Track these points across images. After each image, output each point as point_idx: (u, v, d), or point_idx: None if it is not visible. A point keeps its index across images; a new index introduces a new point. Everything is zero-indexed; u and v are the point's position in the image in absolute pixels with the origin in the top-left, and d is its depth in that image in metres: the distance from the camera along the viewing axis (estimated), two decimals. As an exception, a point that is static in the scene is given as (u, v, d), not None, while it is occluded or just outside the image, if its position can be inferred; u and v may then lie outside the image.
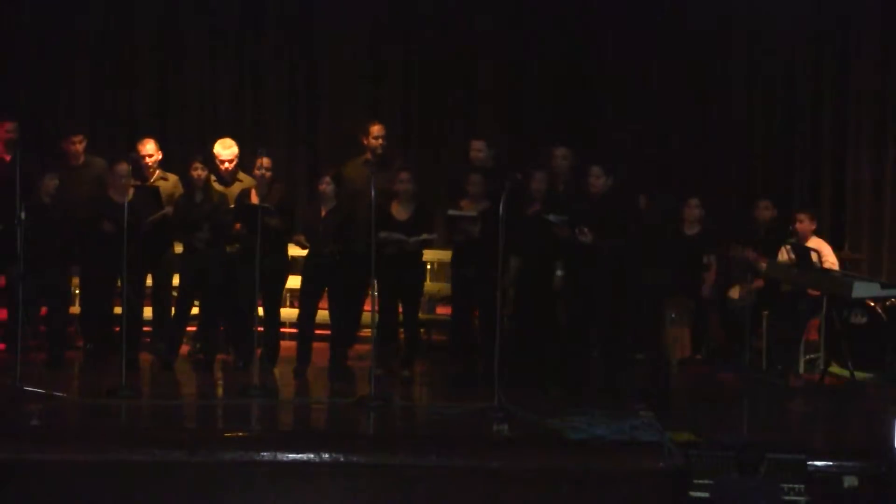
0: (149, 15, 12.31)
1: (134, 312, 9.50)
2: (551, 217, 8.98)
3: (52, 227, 9.34)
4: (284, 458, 7.40)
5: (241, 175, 10.04)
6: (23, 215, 8.61)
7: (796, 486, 7.02)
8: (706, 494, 7.00)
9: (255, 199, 9.57)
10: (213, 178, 9.85)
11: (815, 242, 9.82)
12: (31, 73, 12.10)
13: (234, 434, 7.71)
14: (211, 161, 9.89)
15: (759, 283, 9.89)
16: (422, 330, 10.40)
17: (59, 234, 9.48)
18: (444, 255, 10.08)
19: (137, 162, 9.78)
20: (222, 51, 12.42)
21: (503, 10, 12.35)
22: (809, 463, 7.21)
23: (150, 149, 10.08)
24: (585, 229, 8.81)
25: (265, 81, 12.43)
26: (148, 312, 10.12)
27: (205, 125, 11.99)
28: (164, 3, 12.38)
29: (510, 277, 9.20)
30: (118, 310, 9.63)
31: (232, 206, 9.68)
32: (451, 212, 9.31)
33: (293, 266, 10.10)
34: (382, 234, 9.00)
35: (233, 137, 10.16)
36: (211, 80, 12.42)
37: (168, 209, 9.61)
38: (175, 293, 10.06)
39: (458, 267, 9.45)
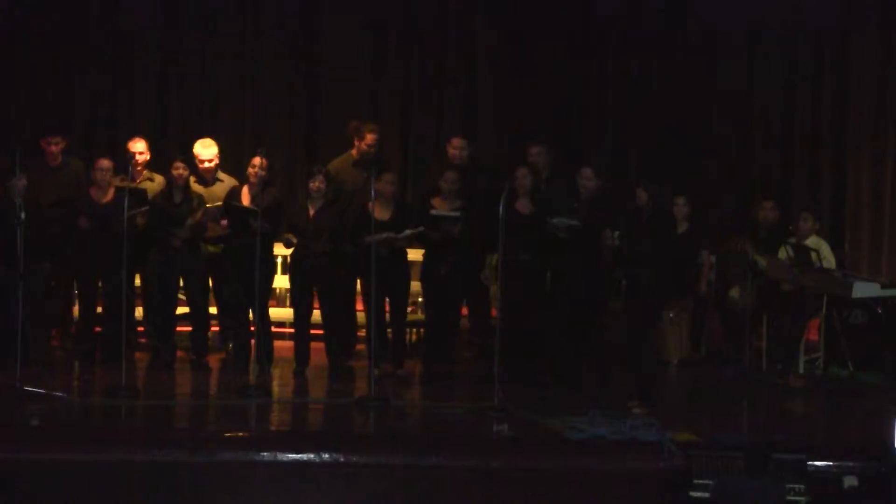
0: (149, 15, 12.32)
1: (112, 313, 9.37)
2: (555, 221, 8.95)
3: (19, 227, 9.11)
4: (284, 458, 7.38)
5: (221, 175, 10.02)
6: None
7: (796, 486, 7.02)
8: (706, 494, 6.99)
9: (246, 198, 9.57)
10: (193, 178, 9.82)
11: (814, 242, 9.82)
12: (31, 73, 12.12)
13: (234, 434, 7.70)
14: (191, 161, 9.87)
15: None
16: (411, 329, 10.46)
17: (28, 233, 9.19)
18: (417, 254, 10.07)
19: (129, 161, 9.73)
20: (222, 51, 12.42)
21: (502, 11, 12.36)
22: (809, 463, 7.20)
23: (139, 147, 10.06)
24: (615, 234, 8.74)
25: (265, 81, 12.44)
26: (139, 312, 10.18)
27: (205, 125, 11.99)
28: (165, 3, 12.39)
29: (486, 275, 9.37)
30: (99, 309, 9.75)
31: (214, 204, 9.65)
32: (433, 212, 9.32)
33: (276, 266, 10.18)
34: (368, 239, 8.95)
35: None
36: (211, 80, 12.42)
37: (145, 208, 9.44)
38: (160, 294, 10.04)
39: (433, 266, 9.44)
